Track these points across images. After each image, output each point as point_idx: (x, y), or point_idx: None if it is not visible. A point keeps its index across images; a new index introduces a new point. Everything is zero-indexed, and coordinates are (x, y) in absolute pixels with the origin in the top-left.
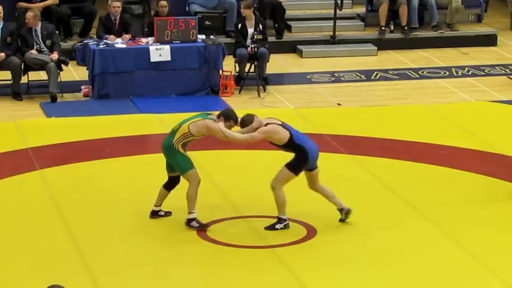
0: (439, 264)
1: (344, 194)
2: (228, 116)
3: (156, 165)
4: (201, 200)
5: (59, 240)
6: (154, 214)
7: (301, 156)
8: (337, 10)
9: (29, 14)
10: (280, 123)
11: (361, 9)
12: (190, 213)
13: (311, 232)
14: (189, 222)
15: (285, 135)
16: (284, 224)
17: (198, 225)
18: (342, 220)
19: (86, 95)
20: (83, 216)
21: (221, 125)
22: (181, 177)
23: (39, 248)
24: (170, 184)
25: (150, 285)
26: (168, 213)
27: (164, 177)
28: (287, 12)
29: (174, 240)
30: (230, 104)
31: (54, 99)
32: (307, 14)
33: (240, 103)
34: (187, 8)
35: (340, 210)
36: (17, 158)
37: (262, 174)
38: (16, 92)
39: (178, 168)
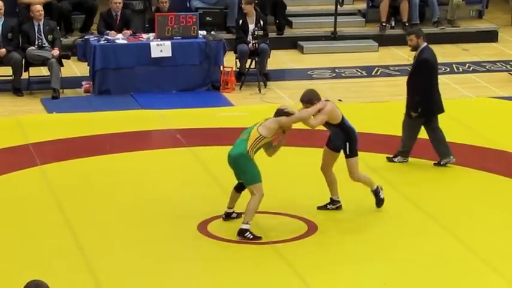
0: (439, 260)
1: (344, 189)
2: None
3: (157, 161)
4: (202, 196)
5: (60, 236)
6: (228, 216)
7: (351, 137)
8: (338, 6)
9: (37, 7)
10: (326, 100)
11: (362, 5)
12: (246, 223)
13: (312, 228)
14: (243, 232)
15: (339, 114)
16: None
17: (252, 236)
18: (326, 208)
19: (86, 91)
20: (84, 212)
21: (297, 116)
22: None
23: (40, 243)
24: (242, 187)
25: (151, 281)
26: (239, 215)
27: (164, 172)
28: (288, 8)
29: (174, 237)
30: (231, 100)
31: (56, 96)
32: (308, 10)
33: (241, 99)
34: (188, 3)
35: (335, 201)
36: (18, 153)
37: (263, 170)
38: (17, 88)
39: (247, 178)
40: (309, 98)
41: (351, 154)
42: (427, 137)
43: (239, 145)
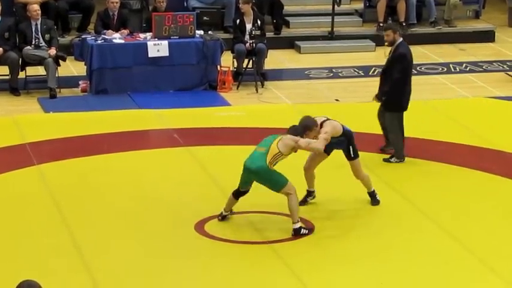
0: (436, 260)
1: (342, 189)
2: (307, 128)
3: (154, 160)
4: (199, 195)
5: (57, 235)
6: (224, 218)
7: (351, 139)
8: (335, 6)
9: (34, 7)
10: (325, 118)
11: (359, 5)
12: (296, 222)
13: (308, 227)
14: (298, 231)
15: (340, 126)
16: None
17: (307, 231)
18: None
19: (83, 90)
20: (81, 212)
21: (305, 140)
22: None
23: (37, 243)
24: (240, 194)
25: (148, 280)
26: (233, 213)
27: (162, 172)
28: (285, 7)
29: (172, 236)
30: (228, 100)
31: (53, 95)
32: (305, 10)
33: (238, 99)
34: (185, 3)
35: (312, 192)
36: (15, 153)
37: None
38: (14, 87)
39: (274, 187)
40: (306, 125)
41: (355, 156)
42: (423, 137)
43: (259, 159)
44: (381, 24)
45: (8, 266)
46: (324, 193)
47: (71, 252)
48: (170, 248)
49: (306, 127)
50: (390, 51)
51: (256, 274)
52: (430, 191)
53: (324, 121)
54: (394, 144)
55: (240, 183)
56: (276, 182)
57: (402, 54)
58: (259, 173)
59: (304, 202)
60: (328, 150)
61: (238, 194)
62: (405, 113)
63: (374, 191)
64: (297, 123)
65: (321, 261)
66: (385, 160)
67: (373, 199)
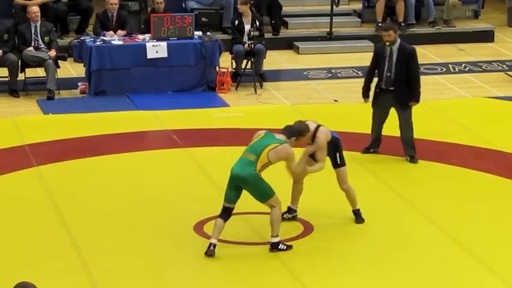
0: (436, 261)
1: (340, 190)
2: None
3: (153, 161)
4: (198, 196)
5: (56, 236)
6: (214, 248)
7: (339, 146)
8: (334, 6)
9: (34, 9)
10: (316, 124)
11: (358, 6)
12: (275, 236)
13: (308, 228)
14: (276, 246)
15: (329, 133)
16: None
17: (285, 247)
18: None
19: (82, 92)
20: (80, 213)
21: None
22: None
23: (36, 244)
24: (227, 215)
25: (147, 282)
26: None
27: (160, 173)
28: (283, 8)
29: (171, 237)
30: (227, 101)
31: (50, 97)
32: (303, 11)
33: (237, 99)
34: (183, 4)
35: (293, 210)
36: (14, 154)
37: None
38: (13, 89)
39: (261, 196)
40: (300, 131)
41: (342, 163)
42: (422, 137)
43: (247, 166)
44: (380, 25)
45: (6, 267)
46: (324, 194)
47: (69, 253)
48: (169, 249)
49: (300, 132)
50: (390, 50)
51: (256, 275)
52: (429, 192)
53: (317, 128)
54: (412, 141)
55: (226, 197)
56: (263, 192)
57: (414, 49)
58: (247, 180)
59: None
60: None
61: (226, 213)
62: None
63: (359, 209)
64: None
65: (321, 262)
66: (412, 161)
67: (358, 217)
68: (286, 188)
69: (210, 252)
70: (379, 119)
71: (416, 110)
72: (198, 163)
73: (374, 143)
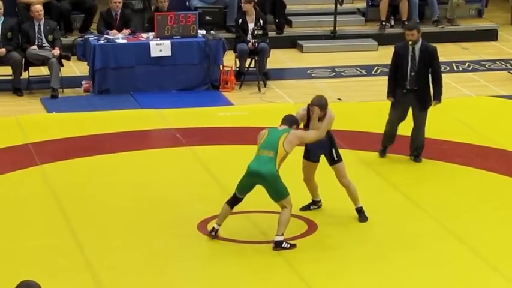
0: (440, 260)
1: (344, 189)
2: (294, 122)
3: (157, 160)
4: (202, 195)
5: (60, 235)
6: (217, 233)
7: (334, 141)
8: (338, 5)
9: (37, 7)
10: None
11: (362, 4)
12: (280, 235)
13: (312, 227)
14: (279, 244)
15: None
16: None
17: (289, 246)
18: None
19: (86, 90)
20: (84, 212)
21: (306, 133)
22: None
23: (40, 243)
24: (235, 203)
25: (151, 280)
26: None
27: (164, 172)
28: (287, 7)
29: (174, 236)
30: (231, 99)
31: (54, 96)
32: (307, 9)
33: (241, 98)
34: (187, 3)
35: (317, 201)
36: (18, 153)
37: None
38: (17, 88)
39: (276, 195)
40: (322, 105)
41: (339, 159)
42: (426, 136)
43: (267, 163)
44: (384, 23)
45: (10, 265)
46: (327, 193)
47: (73, 251)
48: (173, 247)
49: (321, 106)
50: (410, 50)
51: (259, 274)
52: (433, 190)
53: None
54: (423, 142)
55: (239, 189)
56: (280, 191)
57: (436, 49)
58: (267, 178)
59: (306, 208)
60: (313, 157)
61: (234, 202)
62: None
63: (362, 207)
64: (300, 124)
65: (324, 260)
66: (416, 160)
67: (361, 215)
68: (300, 188)
69: (211, 236)
70: (398, 120)
71: None
72: (202, 162)
73: (388, 143)
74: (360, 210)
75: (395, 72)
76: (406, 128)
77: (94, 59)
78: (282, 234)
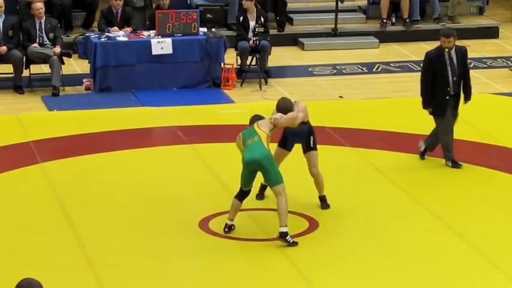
0: (441, 257)
1: (346, 186)
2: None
3: (158, 158)
4: (203, 193)
5: (61, 233)
6: (230, 229)
7: (313, 130)
8: (339, 3)
9: (38, 5)
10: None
11: (363, 2)
12: (285, 226)
13: (313, 224)
14: (284, 235)
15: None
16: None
17: (292, 241)
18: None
19: (87, 88)
20: (85, 210)
21: (279, 115)
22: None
23: (41, 241)
24: (244, 195)
25: (152, 278)
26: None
27: (165, 169)
28: (288, 4)
29: (175, 234)
30: (232, 97)
31: (55, 94)
32: (308, 7)
33: (242, 96)
34: (188, 1)
35: (322, 197)
36: (19, 151)
37: None
38: (18, 85)
39: (273, 178)
40: (287, 107)
41: (314, 147)
42: (427, 133)
43: (259, 147)
44: (385, 21)
45: (11, 263)
46: (327, 191)
47: (74, 249)
48: (174, 245)
49: (287, 109)
50: (446, 56)
51: (261, 271)
52: (433, 187)
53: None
54: (452, 144)
55: (243, 182)
56: (276, 175)
57: (466, 48)
58: (262, 160)
59: (230, 229)
60: (288, 145)
61: (242, 195)
62: (410, 110)
63: (325, 196)
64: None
65: (326, 258)
66: (455, 166)
67: (323, 203)
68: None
69: (226, 232)
70: (452, 127)
71: (420, 106)
72: (203, 159)
73: (431, 148)
74: (323, 199)
75: (431, 81)
76: (406, 128)
77: (95, 57)
78: (286, 225)
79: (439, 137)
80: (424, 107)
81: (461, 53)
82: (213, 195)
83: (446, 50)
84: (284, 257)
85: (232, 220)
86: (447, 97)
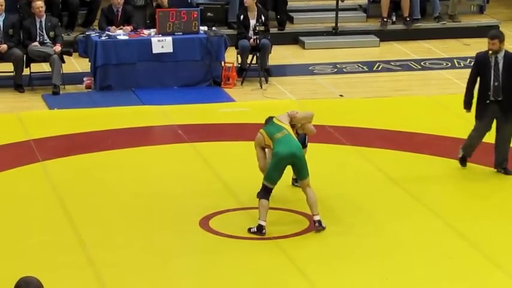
0: (441, 256)
1: (346, 185)
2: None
3: (158, 156)
4: (204, 191)
5: (61, 231)
6: (263, 230)
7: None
8: (339, 1)
9: (38, 4)
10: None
11: (363, 1)
12: (317, 214)
13: (314, 223)
14: (320, 223)
15: None
16: None
17: (324, 226)
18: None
19: (88, 87)
20: (85, 208)
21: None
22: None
23: (41, 239)
24: (269, 193)
25: (153, 276)
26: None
27: (166, 168)
28: (289, 3)
29: (176, 232)
30: (232, 96)
31: (56, 92)
32: (309, 5)
33: (242, 94)
34: None
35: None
36: (19, 149)
37: None
38: (18, 84)
39: (306, 171)
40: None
41: (305, 145)
42: (428, 132)
43: (292, 140)
44: (385, 20)
45: (12, 261)
46: (328, 189)
47: (75, 247)
48: (175, 244)
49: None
50: (492, 60)
51: (261, 270)
52: (435, 186)
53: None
54: (508, 154)
55: (272, 177)
56: (307, 167)
57: None
58: (301, 154)
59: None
60: None
61: (267, 192)
62: (411, 109)
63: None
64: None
65: (326, 257)
66: (508, 173)
67: (295, 183)
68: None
69: (262, 234)
70: (484, 132)
71: (421, 104)
72: (204, 158)
73: (469, 153)
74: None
75: (474, 83)
76: (406, 126)
77: (96, 56)
78: (318, 213)
79: (471, 134)
80: (464, 107)
81: (510, 59)
82: (213, 193)
83: (491, 52)
84: (284, 255)
85: (265, 221)
86: (487, 101)
